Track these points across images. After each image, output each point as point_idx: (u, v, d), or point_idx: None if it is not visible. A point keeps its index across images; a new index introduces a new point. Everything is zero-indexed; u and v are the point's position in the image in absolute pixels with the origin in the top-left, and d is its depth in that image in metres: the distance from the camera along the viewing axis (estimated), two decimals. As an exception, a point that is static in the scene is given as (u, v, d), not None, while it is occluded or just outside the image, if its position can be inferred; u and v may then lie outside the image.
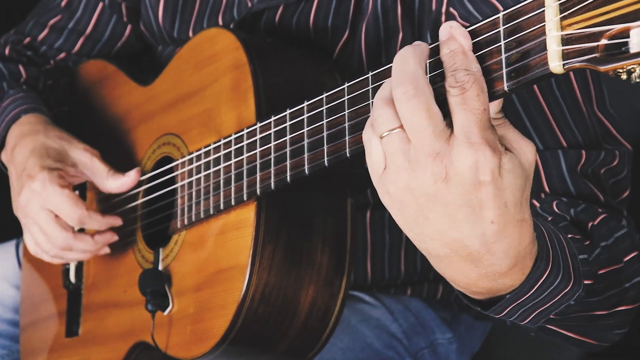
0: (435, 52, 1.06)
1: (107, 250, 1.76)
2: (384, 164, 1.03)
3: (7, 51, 2.06)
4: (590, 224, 1.34)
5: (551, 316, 1.20)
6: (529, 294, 1.12)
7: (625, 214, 1.43)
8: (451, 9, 1.51)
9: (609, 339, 1.38)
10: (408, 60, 1.02)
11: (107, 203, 1.83)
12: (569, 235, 1.27)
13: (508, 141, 1.02)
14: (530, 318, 1.18)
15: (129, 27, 2.02)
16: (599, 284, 1.28)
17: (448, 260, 1.05)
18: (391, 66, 1.13)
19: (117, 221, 1.75)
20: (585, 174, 1.41)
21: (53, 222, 1.70)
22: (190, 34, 1.83)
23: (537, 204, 1.40)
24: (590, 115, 1.46)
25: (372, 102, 1.13)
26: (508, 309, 1.14)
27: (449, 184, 0.99)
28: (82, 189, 1.89)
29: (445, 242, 1.03)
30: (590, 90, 1.47)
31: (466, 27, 1.05)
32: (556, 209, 1.37)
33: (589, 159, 1.42)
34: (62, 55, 2.07)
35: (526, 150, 1.02)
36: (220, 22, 1.78)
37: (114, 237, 1.75)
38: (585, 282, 1.21)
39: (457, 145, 0.98)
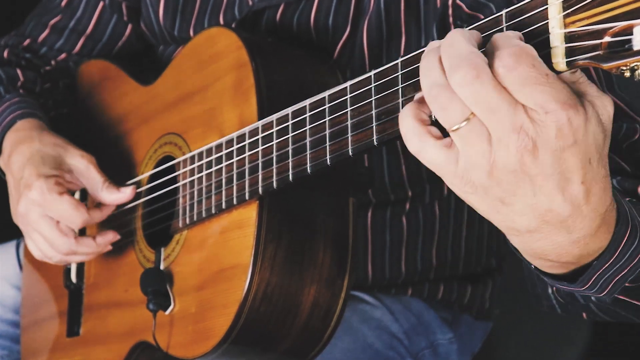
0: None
1: (109, 248, 1.76)
2: (454, 159, 0.99)
3: (5, 54, 2.06)
4: (639, 188, 1.30)
5: (626, 284, 1.17)
6: (614, 257, 1.09)
7: None
8: (458, 1, 1.51)
9: None
10: (459, 43, 0.98)
11: (108, 203, 1.83)
12: (627, 199, 1.23)
13: (589, 98, 0.99)
14: (609, 287, 1.15)
15: (129, 27, 2.02)
16: None
17: (539, 233, 1.03)
18: (395, 63, 1.14)
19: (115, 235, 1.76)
20: (609, 149, 1.39)
21: (55, 230, 1.70)
22: (191, 32, 1.83)
23: None
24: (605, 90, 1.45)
25: (401, 100, 1.12)
26: (594, 278, 1.11)
27: (536, 155, 0.95)
28: (83, 189, 1.89)
29: (536, 215, 1.00)
30: (600, 72, 1.46)
31: (469, 25, 1.05)
32: None
33: (612, 131, 1.39)
34: (63, 56, 2.07)
35: (606, 104, 0.99)
36: (222, 21, 1.78)
37: (117, 236, 1.75)
38: None
39: (537, 116, 0.94)
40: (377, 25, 1.62)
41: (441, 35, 1.56)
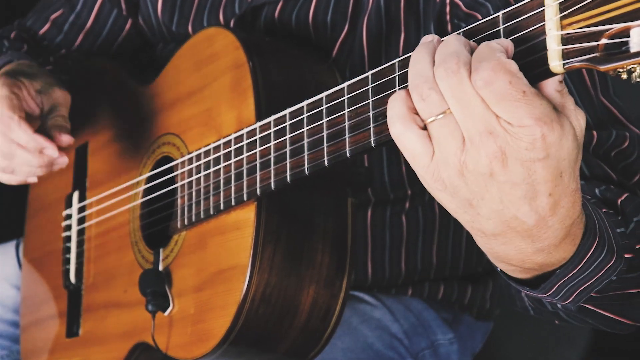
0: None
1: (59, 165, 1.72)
2: (430, 152, 1.00)
3: (12, 35, 2.07)
4: (619, 200, 1.32)
5: (592, 294, 1.19)
6: (577, 268, 1.11)
7: None
8: None
9: None
10: (452, 42, 0.99)
11: (107, 202, 1.83)
12: (604, 210, 1.25)
13: (566, 110, 0.99)
14: (573, 296, 1.16)
15: (129, 22, 2.01)
16: (636, 259, 1.25)
17: (503, 238, 1.04)
18: (392, 64, 1.14)
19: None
20: (597, 155, 1.40)
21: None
22: (189, 28, 1.83)
23: None
24: (597, 101, 1.45)
25: (390, 93, 1.12)
26: (557, 286, 1.12)
27: (506, 162, 0.97)
28: (82, 189, 1.88)
29: (502, 221, 1.02)
30: (595, 77, 1.46)
31: (466, 26, 1.05)
32: None
33: (600, 139, 1.40)
34: (62, 51, 2.07)
35: (580, 118, 1.00)
36: (221, 17, 1.78)
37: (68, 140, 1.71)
38: (626, 255, 1.20)
39: (510, 128, 0.95)
40: (376, 22, 1.62)
41: (439, 34, 1.56)
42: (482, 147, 0.97)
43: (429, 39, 1.03)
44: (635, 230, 1.28)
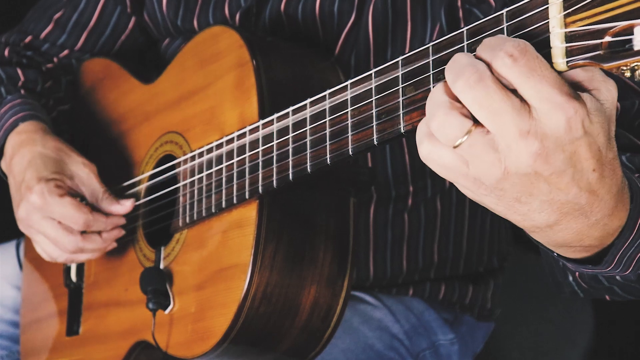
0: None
1: (114, 244, 1.76)
2: (463, 163, 0.99)
3: (6, 53, 2.05)
4: None
5: None
6: (633, 234, 1.10)
7: None
8: None
9: None
10: (459, 57, 0.98)
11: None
12: (636, 175, 1.24)
13: (594, 83, 0.99)
14: (634, 264, 1.16)
15: (132, 20, 2.01)
16: None
17: (559, 225, 1.04)
18: (395, 62, 1.14)
19: (120, 220, 1.74)
20: (621, 125, 1.37)
21: (59, 229, 1.69)
22: (195, 23, 1.83)
23: None
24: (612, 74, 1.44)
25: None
26: (617, 257, 1.12)
27: (548, 156, 0.96)
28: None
29: (554, 209, 1.01)
30: None
31: (469, 24, 1.05)
32: None
33: (624, 109, 1.38)
34: (65, 52, 2.06)
35: (611, 88, 0.99)
36: (227, 11, 1.78)
37: (121, 232, 1.74)
38: None
39: (543, 115, 0.94)
40: (382, 10, 1.62)
41: (449, 20, 1.56)
42: (522, 150, 0.95)
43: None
44: None
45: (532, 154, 0.95)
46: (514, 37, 1.00)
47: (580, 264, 1.15)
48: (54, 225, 1.69)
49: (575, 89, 0.97)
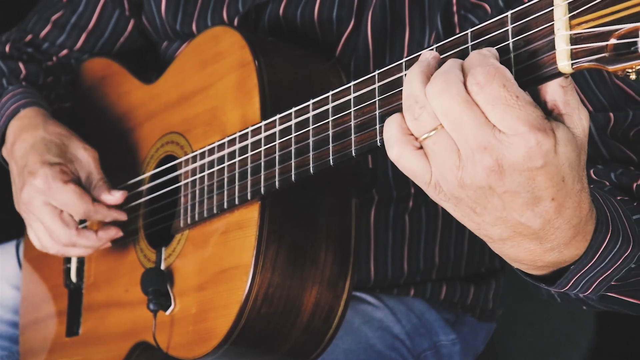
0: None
1: (108, 245, 1.75)
2: (429, 170, 1.02)
3: (7, 49, 2.06)
4: (634, 185, 1.32)
5: (612, 283, 1.19)
6: (592, 262, 1.11)
7: None
8: None
9: None
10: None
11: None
12: (618, 198, 1.26)
13: (567, 108, 1.00)
14: (593, 287, 1.17)
15: (131, 22, 2.01)
16: None
17: (512, 242, 1.06)
18: (399, 63, 1.13)
19: (122, 215, 1.73)
20: (615, 136, 1.40)
21: (57, 219, 1.69)
22: (194, 27, 1.82)
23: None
24: (612, 82, 1.44)
25: (381, 111, 1.12)
26: (573, 280, 1.13)
27: (504, 174, 0.98)
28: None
29: (508, 226, 1.03)
30: None
31: (474, 26, 1.05)
32: (594, 176, 1.36)
33: (618, 120, 1.40)
34: (65, 52, 2.06)
35: (582, 117, 1.01)
36: (225, 15, 1.77)
37: (119, 233, 1.74)
38: None
39: (505, 139, 0.96)
40: (381, 16, 1.62)
41: (445, 25, 1.56)
42: (478, 163, 0.98)
43: (426, 55, 1.05)
44: None
45: (488, 167, 0.97)
46: (514, 41, 1.00)
47: (536, 280, 1.17)
48: (53, 214, 1.69)
49: (548, 108, 1.00)
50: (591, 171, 1.37)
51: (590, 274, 1.13)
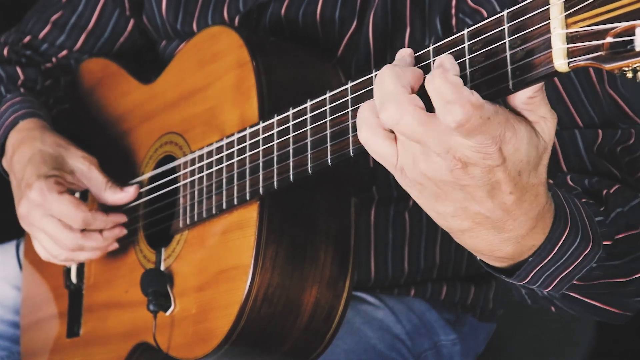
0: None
1: (115, 245, 1.75)
2: (395, 154, 1.05)
3: (5, 52, 2.05)
4: (605, 192, 1.34)
5: (575, 282, 1.22)
6: (551, 256, 1.15)
7: None
8: None
9: (631, 307, 1.37)
10: (388, 80, 1.02)
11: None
12: (583, 200, 1.28)
13: (534, 115, 1.02)
14: (554, 284, 1.20)
15: (131, 22, 2.01)
16: (618, 247, 1.29)
17: (471, 232, 1.09)
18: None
19: (121, 218, 1.73)
20: (601, 153, 1.41)
21: (59, 226, 1.69)
22: (194, 26, 1.82)
23: (551, 181, 1.40)
24: (604, 94, 1.46)
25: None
26: (532, 274, 1.16)
27: (466, 170, 1.01)
28: (84, 191, 1.88)
29: (468, 217, 1.07)
30: (602, 70, 1.46)
31: (471, 25, 1.05)
32: (570, 182, 1.38)
33: (606, 137, 1.42)
34: (64, 52, 2.06)
35: (549, 126, 1.03)
36: (226, 14, 1.77)
37: (123, 231, 1.74)
38: (604, 243, 1.23)
39: (469, 145, 0.99)
40: (382, 17, 1.62)
41: (444, 28, 1.56)
42: (442, 162, 1.01)
43: (402, 54, 1.08)
44: (617, 219, 1.31)
45: (449, 167, 1.01)
46: (510, 40, 1.00)
47: (496, 271, 1.20)
48: (54, 223, 1.69)
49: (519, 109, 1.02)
50: (567, 177, 1.39)
51: (550, 269, 1.16)
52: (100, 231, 1.72)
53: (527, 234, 1.10)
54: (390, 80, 1.01)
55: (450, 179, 1.02)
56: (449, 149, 0.99)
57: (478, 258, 1.19)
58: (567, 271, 1.19)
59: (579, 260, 1.18)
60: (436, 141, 0.99)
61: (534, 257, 1.14)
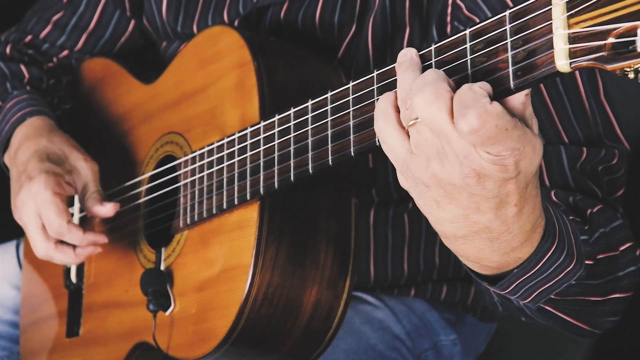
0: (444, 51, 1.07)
1: (97, 249, 1.74)
2: (407, 149, 1.05)
3: (7, 50, 2.05)
4: (589, 211, 1.36)
5: (552, 296, 1.24)
6: (535, 269, 1.16)
7: (621, 210, 1.44)
8: (458, 0, 1.51)
9: (602, 326, 1.40)
10: (429, 73, 1.02)
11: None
12: (570, 217, 1.29)
13: (527, 123, 1.02)
14: (532, 296, 1.22)
15: (132, 23, 2.01)
16: (598, 267, 1.31)
17: (465, 239, 1.10)
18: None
19: (100, 238, 1.72)
20: (584, 171, 1.44)
21: (38, 230, 1.70)
22: (195, 28, 1.82)
23: None
24: (597, 107, 1.47)
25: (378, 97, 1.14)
26: (514, 285, 1.18)
27: (480, 181, 1.01)
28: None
29: (466, 225, 1.07)
30: (597, 79, 1.48)
31: (472, 25, 1.05)
32: (554, 198, 1.40)
33: (589, 156, 1.44)
34: (65, 52, 2.06)
35: (534, 118, 1.04)
36: (225, 17, 1.78)
37: (97, 249, 1.73)
38: (586, 262, 1.25)
39: (487, 157, 0.99)
40: (382, 21, 1.62)
41: (440, 34, 1.57)
42: (458, 166, 1.01)
43: (407, 54, 1.09)
44: (599, 240, 1.33)
45: (466, 173, 1.01)
46: (512, 40, 1.00)
47: (480, 278, 1.21)
48: (36, 223, 1.70)
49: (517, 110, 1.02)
50: (552, 193, 1.40)
51: (532, 281, 1.18)
52: (75, 247, 1.72)
53: (518, 246, 1.11)
54: (433, 72, 1.01)
55: (461, 184, 1.02)
56: (467, 155, 0.99)
57: (462, 261, 1.19)
58: (548, 285, 1.21)
59: (561, 276, 1.20)
60: (460, 141, 0.99)
61: (519, 269, 1.15)
